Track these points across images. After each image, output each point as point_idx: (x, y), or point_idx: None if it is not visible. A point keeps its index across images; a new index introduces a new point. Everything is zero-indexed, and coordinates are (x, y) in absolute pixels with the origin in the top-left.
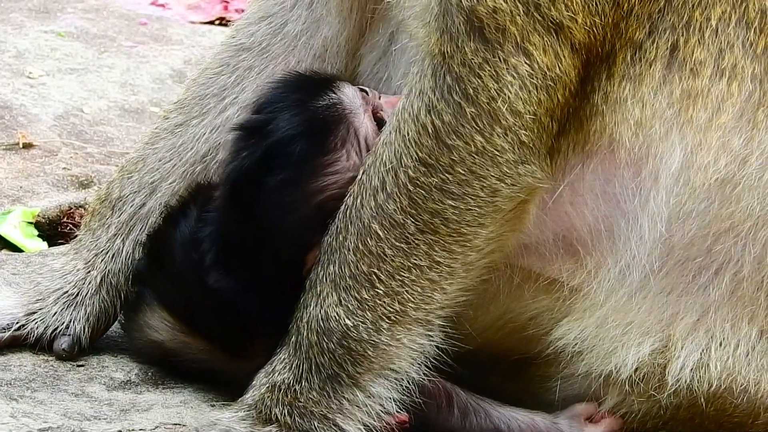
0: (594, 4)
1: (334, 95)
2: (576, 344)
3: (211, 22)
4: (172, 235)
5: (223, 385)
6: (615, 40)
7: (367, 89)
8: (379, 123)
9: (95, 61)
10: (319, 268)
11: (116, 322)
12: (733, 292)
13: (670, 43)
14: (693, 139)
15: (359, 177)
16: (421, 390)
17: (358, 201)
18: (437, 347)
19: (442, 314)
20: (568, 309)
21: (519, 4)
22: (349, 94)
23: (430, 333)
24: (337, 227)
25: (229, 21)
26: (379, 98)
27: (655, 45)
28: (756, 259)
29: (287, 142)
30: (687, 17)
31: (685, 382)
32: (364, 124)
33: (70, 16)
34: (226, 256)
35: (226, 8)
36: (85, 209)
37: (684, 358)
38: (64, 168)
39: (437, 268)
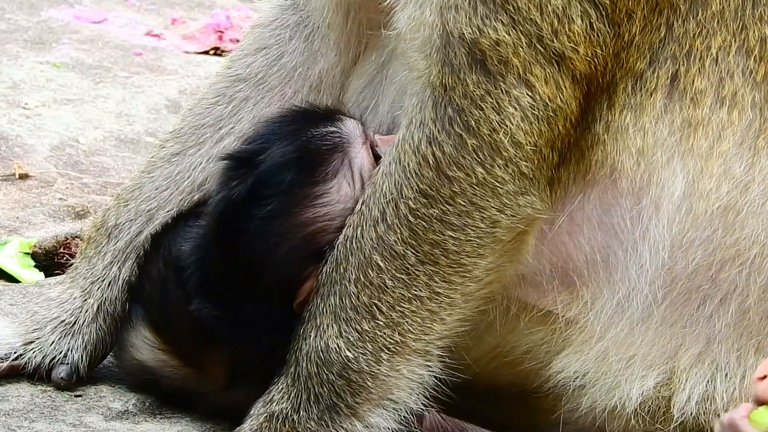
0: (595, 35)
1: (332, 126)
2: (577, 378)
3: (206, 52)
4: (156, 258)
5: (200, 411)
6: (616, 70)
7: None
8: (376, 158)
9: (91, 92)
10: (319, 300)
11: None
12: (739, 322)
13: (670, 72)
14: (695, 166)
15: (359, 207)
16: (434, 426)
17: (358, 232)
18: (437, 378)
19: (441, 344)
20: (565, 342)
21: (522, 36)
22: (349, 125)
23: (429, 363)
24: (337, 258)
25: (224, 51)
26: (375, 136)
27: (655, 74)
28: (762, 287)
29: (276, 172)
30: (688, 46)
31: (691, 414)
32: (360, 155)
33: (65, 46)
34: (210, 285)
35: (220, 38)
36: (81, 239)
37: (689, 390)
38: (60, 198)
39: (437, 299)
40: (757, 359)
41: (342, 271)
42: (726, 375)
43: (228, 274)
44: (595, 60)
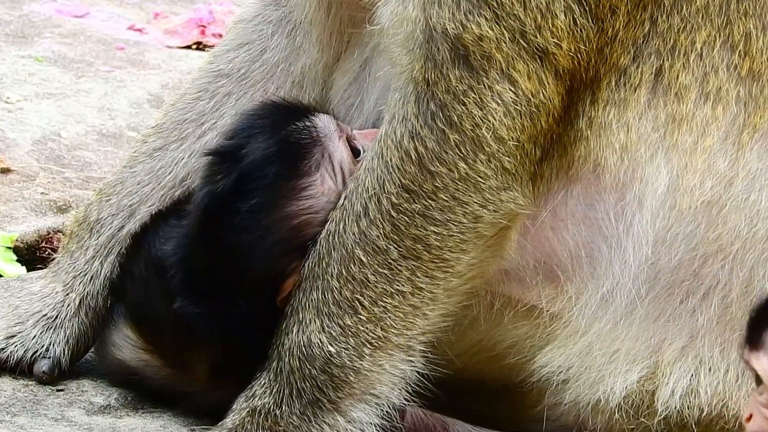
0: (579, 30)
1: (308, 121)
2: (561, 372)
3: (188, 47)
4: (137, 257)
5: (185, 410)
6: (599, 66)
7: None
8: (354, 152)
9: (73, 86)
10: (301, 294)
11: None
12: (722, 316)
13: (654, 67)
14: (679, 162)
15: (341, 203)
16: (416, 422)
17: (341, 227)
18: (420, 373)
19: (423, 339)
20: (549, 336)
21: (505, 32)
22: (324, 120)
23: (411, 358)
24: (320, 253)
25: (206, 46)
26: (352, 131)
27: (639, 70)
28: (744, 282)
29: (260, 166)
30: (672, 41)
31: (675, 408)
32: (339, 149)
33: (47, 41)
34: (193, 282)
35: (203, 33)
36: (63, 234)
37: (673, 384)
38: (42, 193)
39: (419, 294)
40: None
41: (324, 265)
42: (710, 369)
43: (212, 270)
44: (579, 55)
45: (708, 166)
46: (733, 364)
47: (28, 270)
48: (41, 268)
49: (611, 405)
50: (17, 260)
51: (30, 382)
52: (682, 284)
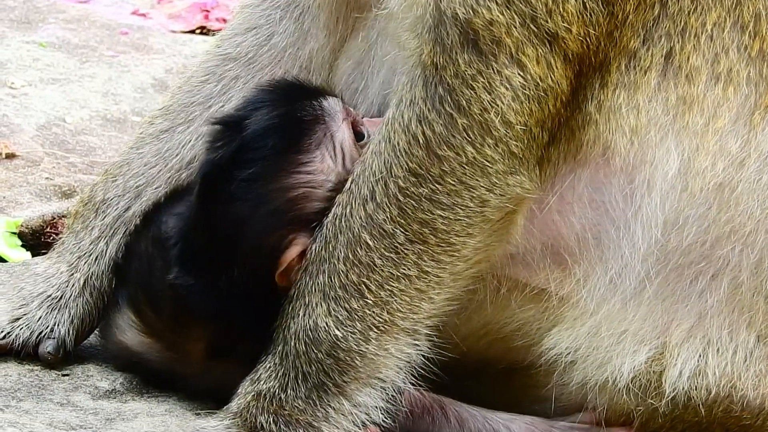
0: (589, 14)
1: (314, 100)
2: (568, 354)
3: (192, 31)
4: (145, 234)
5: (189, 395)
6: (609, 49)
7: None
8: (357, 136)
9: (77, 71)
10: (308, 278)
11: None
12: (731, 297)
13: (665, 50)
14: (690, 144)
15: (348, 186)
16: (414, 403)
17: (347, 210)
18: (424, 357)
19: (429, 323)
20: (557, 318)
21: (516, 16)
22: (330, 101)
23: (416, 342)
24: (326, 237)
25: (210, 30)
26: (362, 117)
27: (650, 53)
28: (755, 263)
29: (262, 136)
30: (683, 24)
31: (683, 389)
32: (342, 130)
33: (51, 26)
34: (190, 254)
35: (206, 17)
36: (68, 218)
37: (681, 365)
38: (47, 178)
39: (425, 278)
40: (749, 334)
41: (331, 249)
42: (718, 350)
43: (208, 240)
44: (588, 39)
45: (720, 147)
46: (742, 345)
47: (33, 255)
48: (46, 253)
49: (619, 386)
50: (22, 245)
51: (35, 367)
52: (691, 266)
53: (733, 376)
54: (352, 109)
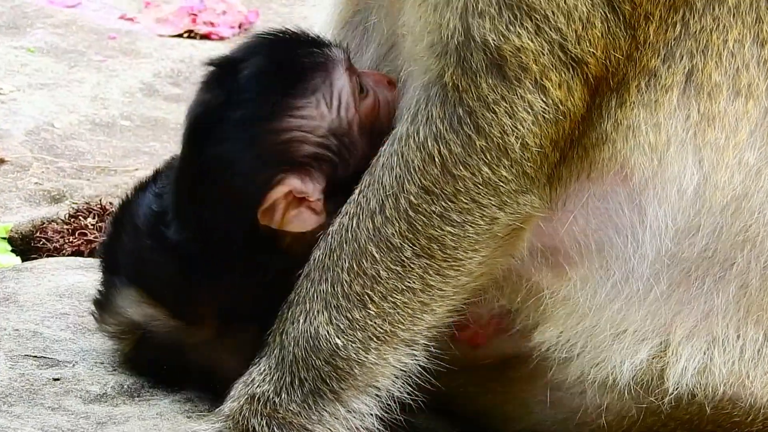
0: (611, 38)
1: (318, 48)
2: (563, 350)
3: (180, 35)
4: (135, 204)
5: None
6: (627, 70)
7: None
8: (359, 89)
9: (65, 76)
10: (309, 284)
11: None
12: (738, 296)
13: (687, 68)
14: (710, 159)
15: (355, 197)
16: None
17: (354, 221)
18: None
19: (428, 335)
20: (549, 314)
21: (545, 44)
22: (334, 50)
23: (415, 353)
24: (330, 245)
25: (198, 34)
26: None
27: (671, 71)
28: (763, 265)
29: (256, 79)
30: (705, 42)
31: (687, 386)
32: (342, 78)
33: (39, 31)
34: (183, 203)
35: (194, 21)
36: (57, 223)
37: (685, 362)
38: (36, 183)
39: (429, 291)
40: (756, 332)
41: (335, 258)
42: (724, 348)
43: (198, 183)
44: (608, 62)
45: (738, 161)
46: (750, 343)
47: (23, 260)
48: (36, 258)
49: (620, 384)
50: (12, 250)
51: (26, 372)
52: (699, 269)
53: (741, 374)
54: (354, 66)
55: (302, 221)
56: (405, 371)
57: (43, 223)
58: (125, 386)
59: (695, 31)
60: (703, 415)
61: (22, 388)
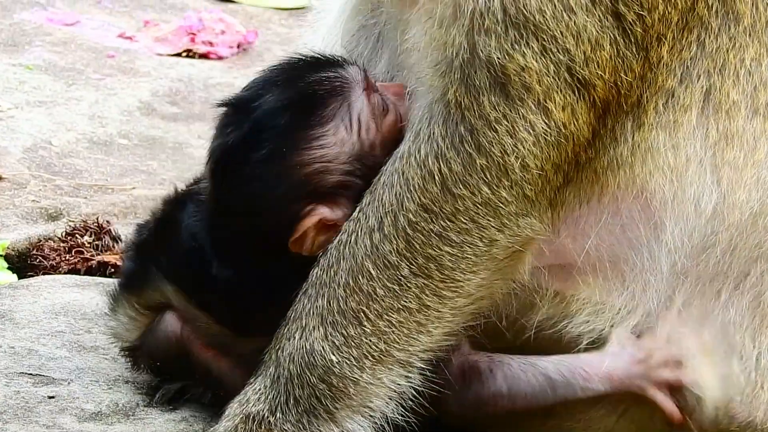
0: (621, 60)
1: (333, 71)
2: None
3: (178, 54)
4: (177, 221)
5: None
6: (642, 91)
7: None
8: (378, 107)
9: (63, 94)
10: (306, 300)
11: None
12: (753, 308)
13: (704, 88)
14: (729, 178)
15: (355, 215)
16: (462, 364)
17: (353, 238)
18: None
19: (424, 357)
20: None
21: (551, 64)
22: (350, 71)
23: (409, 375)
24: (329, 261)
25: (196, 53)
26: (376, 83)
27: (688, 91)
28: None
29: (272, 115)
30: (722, 61)
31: (706, 399)
32: (360, 100)
33: (38, 49)
34: (219, 242)
35: (193, 40)
36: (54, 241)
37: (704, 374)
38: (33, 200)
39: (426, 312)
40: None
41: (332, 274)
42: (742, 357)
43: (231, 225)
44: (618, 85)
45: (757, 179)
46: (765, 352)
47: (19, 278)
48: (32, 276)
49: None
50: (8, 268)
51: (21, 390)
52: (713, 283)
53: (756, 384)
54: (372, 78)
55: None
56: (399, 393)
57: (40, 240)
58: (120, 405)
59: (711, 51)
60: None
61: (17, 405)
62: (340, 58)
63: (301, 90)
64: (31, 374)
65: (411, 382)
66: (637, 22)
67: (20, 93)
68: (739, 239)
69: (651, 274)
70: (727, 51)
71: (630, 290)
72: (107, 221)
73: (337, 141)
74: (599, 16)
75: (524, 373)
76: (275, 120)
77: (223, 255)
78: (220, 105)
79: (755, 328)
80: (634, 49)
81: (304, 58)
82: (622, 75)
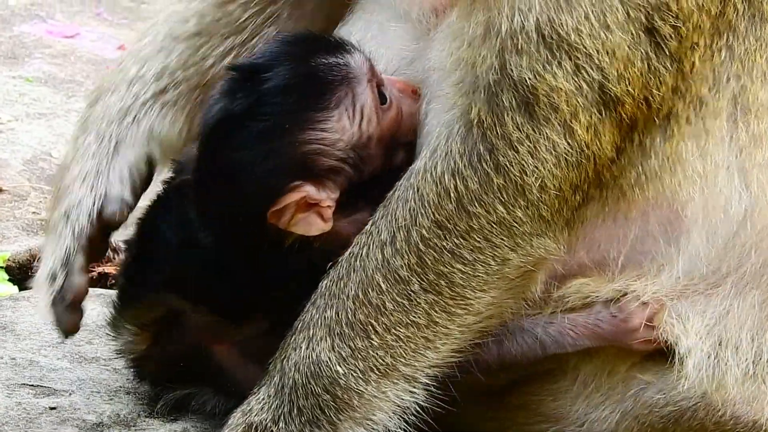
0: (653, 75)
1: (341, 58)
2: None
3: None
4: (156, 221)
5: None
6: (675, 103)
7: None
8: (381, 98)
9: (63, 106)
10: (314, 311)
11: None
12: (762, 303)
13: (734, 91)
14: (758, 180)
15: (368, 228)
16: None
17: (364, 251)
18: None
19: (430, 373)
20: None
21: (583, 84)
22: (357, 60)
23: (414, 390)
24: (339, 273)
25: None
26: (381, 75)
27: (718, 96)
28: None
29: (280, 94)
30: (750, 63)
31: (698, 385)
32: (365, 92)
33: (37, 61)
34: (203, 207)
35: None
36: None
37: (696, 361)
38: (34, 212)
39: (434, 328)
40: None
41: (342, 286)
42: (737, 349)
43: (214, 185)
44: (649, 100)
45: None
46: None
47: (20, 289)
48: (33, 288)
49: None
50: (9, 279)
51: (22, 401)
52: (727, 280)
53: (758, 378)
54: (377, 70)
55: (308, 224)
56: (402, 407)
57: (41, 252)
58: (121, 416)
59: (740, 53)
60: (706, 430)
61: (19, 417)
62: (349, 44)
63: (311, 71)
64: (32, 385)
65: (415, 398)
66: (673, 35)
67: (20, 105)
68: (759, 240)
69: (665, 275)
70: (755, 52)
71: (639, 284)
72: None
73: (338, 128)
74: (632, 32)
75: (513, 334)
76: (283, 97)
77: (207, 220)
78: (230, 68)
79: (762, 322)
80: (667, 62)
81: (317, 35)
82: (654, 90)
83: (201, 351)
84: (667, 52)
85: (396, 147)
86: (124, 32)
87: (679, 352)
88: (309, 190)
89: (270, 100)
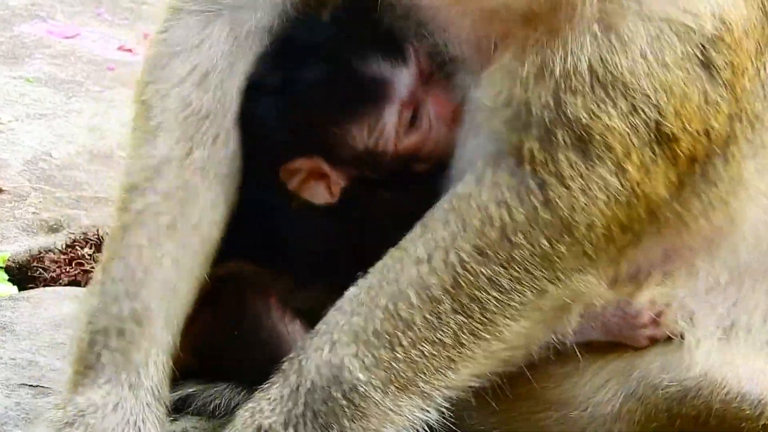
0: (710, 107)
1: (387, 71)
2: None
3: None
4: None
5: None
6: (732, 127)
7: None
8: (412, 120)
9: (63, 106)
10: (340, 316)
11: None
12: None
13: None
14: None
15: (402, 243)
16: None
17: (398, 265)
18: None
19: (447, 394)
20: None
21: (639, 123)
22: (402, 78)
23: (428, 409)
24: (370, 283)
25: None
26: (428, 95)
27: None
28: None
29: (313, 87)
30: None
31: (706, 369)
32: (392, 115)
33: (38, 61)
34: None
35: None
36: (54, 253)
37: (705, 345)
38: (34, 212)
39: (459, 349)
40: None
41: (373, 295)
42: (749, 331)
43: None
44: (708, 132)
45: None
46: None
47: (20, 290)
48: (32, 288)
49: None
50: (9, 280)
51: (22, 401)
52: (746, 275)
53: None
54: (422, 91)
55: (314, 193)
56: (412, 424)
57: (41, 252)
58: None
59: None
60: (711, 409)
61: (18, 417)
62: (407, 53)
63: (349, 77)
64: (31, 385)
65: (427, 417)
66: (726, 65)
67: (20, 105)
68: None
69: (695, 281)
70: None
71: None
72: (107, 233)
73: (357, 135)
74: (688, 68)
75: None
76: (314, 90)
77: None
78: (271, 44)
79: None
80: (723, 92)
81: (377, 32)
82: (713, 122)
83: (242, 307)
84: (721, 82)
85: (415, 162)
86: (125, 32)
87: (687, 340)
88: (321, 163)
89: (302, 91)
